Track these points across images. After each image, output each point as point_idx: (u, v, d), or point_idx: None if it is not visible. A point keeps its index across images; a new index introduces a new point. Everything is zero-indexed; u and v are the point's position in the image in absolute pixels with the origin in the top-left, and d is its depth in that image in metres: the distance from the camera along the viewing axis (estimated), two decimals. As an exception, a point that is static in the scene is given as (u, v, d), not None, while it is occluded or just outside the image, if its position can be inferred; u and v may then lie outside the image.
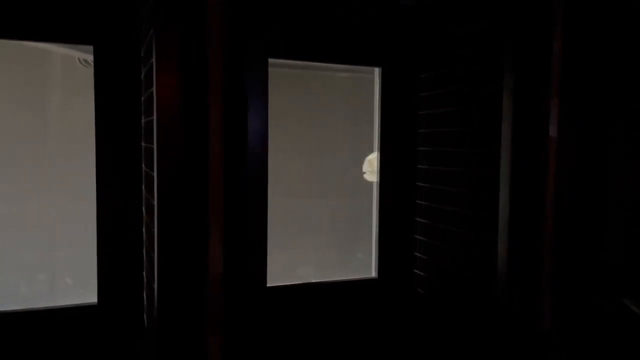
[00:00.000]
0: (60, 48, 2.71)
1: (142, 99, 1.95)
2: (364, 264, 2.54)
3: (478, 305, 2.04)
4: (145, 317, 1.98)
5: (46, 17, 1.84)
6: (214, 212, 1.63)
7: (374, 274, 2.37)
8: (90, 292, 2.02)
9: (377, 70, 2.32)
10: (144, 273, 1.99)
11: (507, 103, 1.85)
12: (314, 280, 2.48)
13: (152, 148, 1.64)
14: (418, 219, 2.36)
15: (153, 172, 1.64)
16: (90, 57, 2.25)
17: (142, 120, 1.96)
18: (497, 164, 1.91)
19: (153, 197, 1.63)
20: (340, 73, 3.20)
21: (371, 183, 2.53)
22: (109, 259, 1.99)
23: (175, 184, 1.57)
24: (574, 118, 1.83)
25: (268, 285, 2.12)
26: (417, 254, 2.38)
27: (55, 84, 2.95)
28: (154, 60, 1.56)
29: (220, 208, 1.64)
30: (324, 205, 3.17)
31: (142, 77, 1.93)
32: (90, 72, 2.01)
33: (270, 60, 2.49)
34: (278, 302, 2.16)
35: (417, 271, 2.38)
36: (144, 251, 1.99)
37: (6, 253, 2.84)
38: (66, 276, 2.98)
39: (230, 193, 1.65)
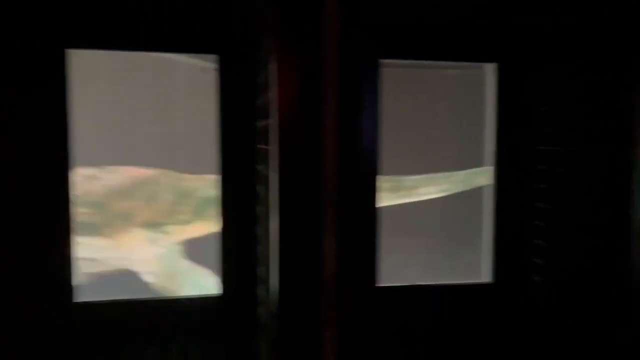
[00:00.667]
0: (184, 58, 2.94)
1: (259, 102, 2.05)
2: (472, 268, 2.45)
3: (606, 320, 1.88)
4: (259, 309, 2.08)
5: (176, 31, 2.00)
6: (329, 212, 1.67)
7: (485, 278, 2.28)
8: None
9: (488, 67, 2.23)
10: (257, 269, 2.09)
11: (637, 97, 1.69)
12: (421, 283, 2.43)
13: (267, 149, 1.72)
14: (537, 223, 2.23)
15: (269, 172, 1.71)
16: (210, 65, 2.42)
17: (258, 124, 2.06)
18: (628, 164, 1.75)
19: (269, 195, 1.71)
20: (449, 70, 3.12)
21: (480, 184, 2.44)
22: (231, 253, 2.11)
23: (293, 183, 1.63)
24: None
25: (378, 285, 2.13)
26: (535, 260, 2.24)
27: (180, 90, 3.20)
28: (274, 64, 1.64)
29: (335, 208, 1.67)
30: (431, 206, 3.11)
31: (260, 81, 2.03)
32: (210, 79, 2.16)
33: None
34: (387, 302, 2.15)
35: (534, 278, 2.25)
36: (258, 248, 2.08)
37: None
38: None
39: (344, 194, 1.68)
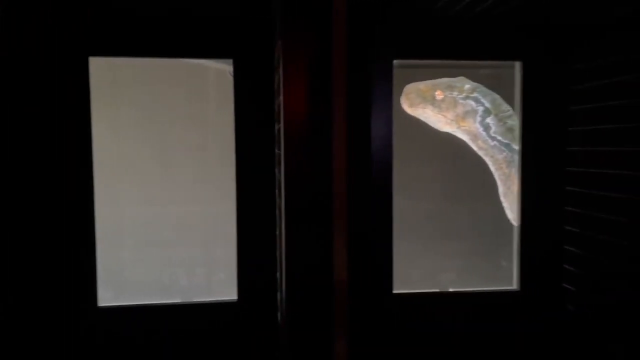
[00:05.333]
0: (214, 63, 2.97)
1: (275, 107, 2.04)
2: (509, 274, 2.35)
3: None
4: (279, 316, 2.07)
5: (192, 37, 2.03)
6: (338, 217, 1.64)
7: (515, 285, 2.18)
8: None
9: (517, 65, 2.13)
10: (278, 274, 2.08)
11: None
12: (451, 289, 2.36)
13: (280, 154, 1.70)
14: (568, 228, 2.11)
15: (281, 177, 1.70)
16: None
17: (276, 128, 2.05)
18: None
19: (280, 201, 1.69)
20: (483, 70, 3.01)
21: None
22: (248, 259, 2.11)
23: (300, 189, 1.60)
24: None
25: (397, 292, 2.08)
26: (567, 267, 2.12)
27: (210, 95, 3.24)
28: (281, 69, 1.62)
29: (344, 213, 1.64)
30: (464, 209, 3.02)
31: (275, 86, 2.03)
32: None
33: (402, 61, 2.42)
34: (406, 310, 2.09)
35: (566, 286, 2.13)
36: (278, 254, 2.07)
37: (170, 249, 3.19)
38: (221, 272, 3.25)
39: (354, 198, 1.64)
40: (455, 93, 2.40)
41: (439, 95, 2.37)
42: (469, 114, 2.40)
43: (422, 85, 2.41)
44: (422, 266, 2.93)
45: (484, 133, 2.42)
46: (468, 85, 2.43)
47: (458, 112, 2.40)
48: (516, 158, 2.32)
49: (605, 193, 1.93)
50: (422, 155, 2.73)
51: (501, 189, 2.50)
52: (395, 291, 2.06)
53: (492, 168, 2.47)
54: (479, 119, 2.41)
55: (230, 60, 2.39)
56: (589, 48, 2.01)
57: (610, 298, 1.90)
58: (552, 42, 2.06)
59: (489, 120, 2.38)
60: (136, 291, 2.91)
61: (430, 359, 2.09)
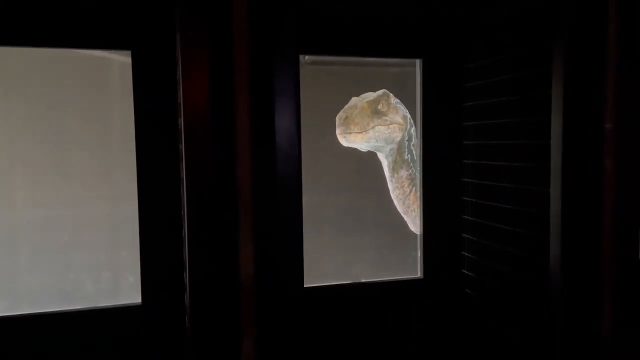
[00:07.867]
0: (118, 56, 2.80)
1: (177, 102, 1.97)
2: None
3: (534, 308, 1.90)
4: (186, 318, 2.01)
5: (81, 24, 1.89)
6: (244, 213, 1.62)
7: (419, 274, 2.28)
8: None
9: (418, 62, 2.22)
10: (184, 275, 2.02)
11: (557, 90, 1.70)
12: (363, 280, 2.42)
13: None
14: (465, 217, 2.24)
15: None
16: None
17: (179, 122, 1.99)
18: (548, 157, 1.77)
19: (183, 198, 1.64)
20: (392, 68, 3.11)
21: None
22: (152, 260, 2.02)
23: (202, 185, 1.56)
24: (632, 105, 1.65)
25: (309, 285, 2.09)
26: (465, 254, 2.25)
27: (114, 90, 3.07)
28: (180, 61, 1.57)
29: (250, 209, 1.62)
30: (376, 202, 3.11)
31: (177, 79, 1.96)
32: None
33: (319, 58, 2.44)
34: (318, 303, 2.12)
35: (465, 272, 2.26)
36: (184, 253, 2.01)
37: (71, 253, 3.00)
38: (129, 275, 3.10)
39: (260, 193, 1.63)
40: (391, 100, 2.42)
41: (382, 106, 2.37)
42: (405, 118, 2.46)
43: (358, 103, 2.34)
44: (336, 259, 2.99)
45: (406, 143, 2.48)
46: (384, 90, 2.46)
47: (403, 115, 2.45)
48: (418, 176, 2.37)
49: (497, 183, 2.06)
50: (329, 152, 2.78)
51: (400, 208, 2.57)
52: (307, 285, 2.07)
53: (390, 187, 2.51)
54: (408, 126, 2.46)
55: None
56: (478, 47, 2.13)
57: (504, 282, 2.04)
58: (446, 41, 2.17)
59: (412, 130, 2.44)
60: (35, 300, 2.70)
61: (341, 350, 2.13)
